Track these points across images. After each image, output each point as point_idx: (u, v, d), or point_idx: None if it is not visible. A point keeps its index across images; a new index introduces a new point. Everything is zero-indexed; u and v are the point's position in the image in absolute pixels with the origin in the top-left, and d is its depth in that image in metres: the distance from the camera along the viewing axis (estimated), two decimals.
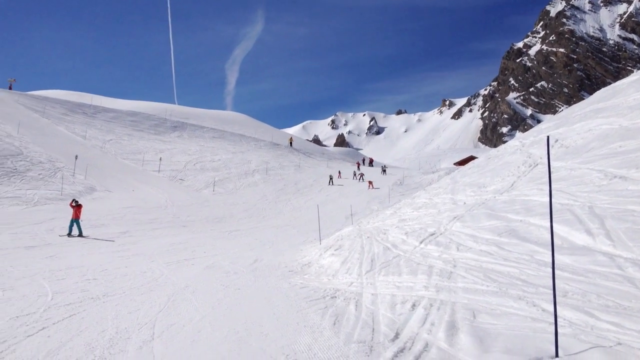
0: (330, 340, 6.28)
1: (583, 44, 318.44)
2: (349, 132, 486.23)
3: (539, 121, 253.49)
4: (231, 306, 8.57)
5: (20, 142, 35.45)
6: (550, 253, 5.14)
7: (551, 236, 5.11)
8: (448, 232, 10.86)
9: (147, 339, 6.71)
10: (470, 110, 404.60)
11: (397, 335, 6.07)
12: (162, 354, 6.12)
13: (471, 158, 78.55)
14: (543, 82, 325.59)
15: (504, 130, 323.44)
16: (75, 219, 18.50)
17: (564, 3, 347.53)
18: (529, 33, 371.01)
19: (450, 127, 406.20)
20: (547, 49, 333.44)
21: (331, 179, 42.56)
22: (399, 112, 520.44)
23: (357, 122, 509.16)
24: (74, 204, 18.90)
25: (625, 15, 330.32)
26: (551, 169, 5.42)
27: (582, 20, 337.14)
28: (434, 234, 11.18)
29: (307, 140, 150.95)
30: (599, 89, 23.01)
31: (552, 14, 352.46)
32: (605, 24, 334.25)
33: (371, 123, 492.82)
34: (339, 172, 47.66)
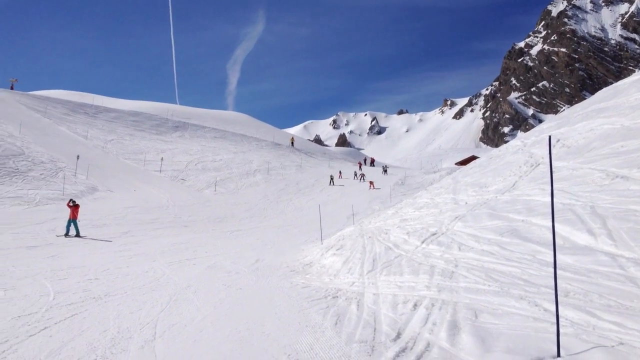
0: (332, 340, 6.28)
1: (585, 43, 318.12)
2: (351, 132, 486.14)
3: (540, 121, 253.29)
4: (233, 306, 8.58)
5: (22, 142, 35.49)
6: (552, 253, 5.13)
7: (553, 236, 5.11)
8: (450, 232, 10.85)
9: (149, 338, 6.71)
10: (472, 110, 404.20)
11: (398, 335, 6.07)
12: (163, 354, 6.12)
13: (473, 158, 78.48)
14: (545, 82, 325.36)
15: (506, 130, 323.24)
16: (73, 219, 18.42)
17: (565, 3, 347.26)
18: (531, 33, 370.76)
19: (451, 127, 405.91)
20: (548, 48, 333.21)
21: (332, 179, 42.52)
22: (401, 112, 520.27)
23: (358, 122, 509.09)
24: (71, 204, 18.85)
25: (626, 15, 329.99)
26: (553, 169, 5.42)
27: (583, 20, 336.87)
28: (435, 233, 11.17)
29: (309, 140, 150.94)
30: (600, 88, 22.99)
31: (554, 13, 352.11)
32: (607, 23, 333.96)
33: (372, 123, 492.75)
34: (340, 172, 47.60)
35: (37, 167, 30.80)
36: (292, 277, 11.34)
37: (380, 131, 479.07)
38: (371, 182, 40.87)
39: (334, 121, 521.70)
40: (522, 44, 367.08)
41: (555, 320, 4.89)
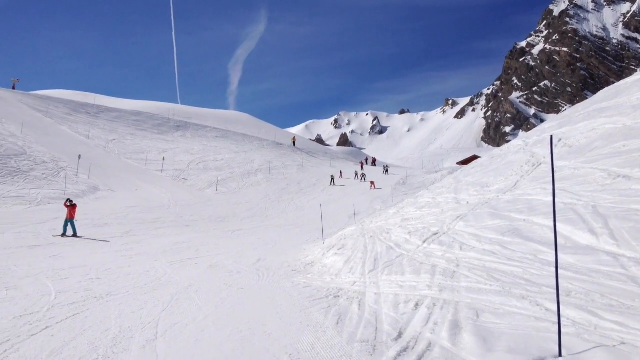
0: (334, 340, 6.28)
1: (586, 43, 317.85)
2: (352, 131, 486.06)
3: (542, 120, 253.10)
4: (234, 305, 8.58)
5: (24, 142, 35.53)
6: (554, 252, 5.12)
7: (554, 235, 5.10)
8: (451, 232, 10.85)
9: (151, 338, 6.72)
10: (474, 110, 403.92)
11: (400, 335, 6.06)
12: (165, 353, 6.13)
13: (474, 157, 78.40)
14: (546, 82, 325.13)
15: (507, 129, 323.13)
16: (70, 219, 18.33)
17: (567, 2, 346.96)
18: (532, 32, 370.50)
19: (453, 127, 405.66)
20: (550, 48, 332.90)
21: (332, 179, 42.47)
22: (402, 112, 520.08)
23: (360, 121, 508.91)
24: (68, 203, 18.74)
25: (628, 15, 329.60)
26: (554, 169, 5.41)
27: (585, 19, 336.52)
28: (437, 233, 11.17)
29: (310, 139, 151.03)
30: (602, 88, 22.96)
31: (556, 13, 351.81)
32: (609, 23, 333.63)
33: (374, 122, 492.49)
34: (340, 172, 47.55)
35: (38, 167, 30.84)
36: (293, 277, 11.34)
37: (382, 131, 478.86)
38: (372, 182, 40.85)
39: (336, 121, 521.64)
40: (523, 44, 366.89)
41: (557, 320, 4.89)
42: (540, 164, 13.58)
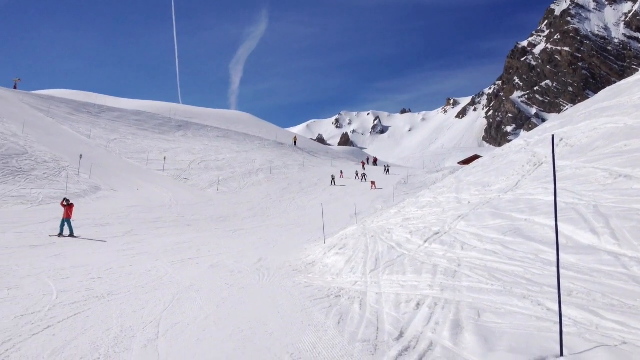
0: (335, 339, 6.28)
1: (588, 42, 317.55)
2: (353, 131, 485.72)
3: (543, 120, 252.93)
4: (236, 305, 8.58)
5: (25, 142, 35.57)
6: (555, 252, 5.12)
7: (556, 235, 5.10)
8: (452, 231, 10.85)
9: (152, 337, 6.72)
10: (475, 109, 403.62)
11: (401, 334, 6.06)
12: (167, 353, 6.13)
13: (475, 157, 78.36)
14: (548, 81, 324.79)
15: (509, 129, 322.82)
16: (67, 219, 18.14)
17: (568, 2, 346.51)
18: (534, 32, 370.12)
19: (454, 126, 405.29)
20: (551, 47, 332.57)
21: (333, 179, 42.44)
22: (403, 111, 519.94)
23: (361, 121, 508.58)
24: (65, 203, 18.53)
25: (630, 14, 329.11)
26: (556, 168, 5.40)
27: (587, 19, 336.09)
28: (438, 233, 11.16)
29: (312, 139, 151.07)
30: (603, 87, 22.95)
31: (557, 12, 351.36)
32: (610, 22, 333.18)
33: (375, 122, 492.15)
34: (341, 172, 47.56)
35: (40, 167, 30.87)
36: (294, 276, 11.34)
37: (383, 130, 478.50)
38: (373, 182, 40.84)
39: (337, 120, 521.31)
40: (525, 43, 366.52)
41: (558, 320, 4.89)
42: (542, 163, 13.58)
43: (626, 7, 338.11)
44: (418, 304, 7.07)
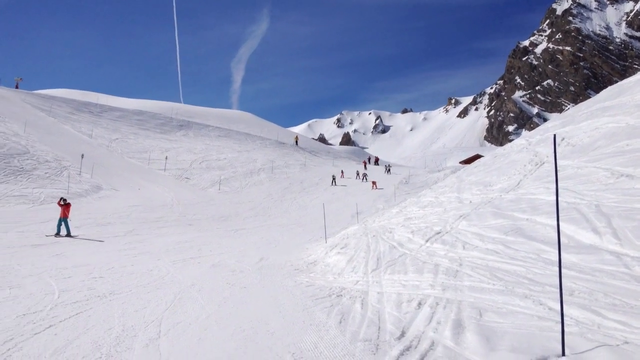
0: (336, 339, 6.28)
1: (589, 42, 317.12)
2: (355, 130, 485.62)
3: (545, 120, 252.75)
4: (237, 304, 8.58)
5: (27, 141, 35.61)
6: (557, 251, 5.12)
7: (558, 235, 5.09)
8: (454, 231, 10.84)
9: (154, 337, 6.73)
10: (476, 109, 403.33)
11: (403, 334, 6.06)
12: (168, 352, 6.13)
13: (477, 157, 78.29)
14: (549, 81, 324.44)
15: (510, 128, 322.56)
16: (64, 218, 18.01)
17: (570, 1, 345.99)
18: (535, 31, 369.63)
19: (456, 126, 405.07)
20: (553, 47, 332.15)
21: (334, 179, 42.40)
22: (405, 111, 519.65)
23: (362, 120, 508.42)
24: (62, 202, 18.41)
25: (632, 13, 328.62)
26: (558, 168, 5.40)
27: (588, 18, 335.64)
28: (440, 232, 11.16)
29: (313, 138, 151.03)
30: (605, 87, 22.92)
31: (559, 12, 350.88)
32: (612, 22, 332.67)
33: (377, 122, 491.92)
34: (342, 172, 47.54)
35: (41, 166, 30.90)
36: (296, 276, 11.34)
37: (385, 130, 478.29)
38: (374, 182, 40.81)
39: (338, 120, 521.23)
40: (526, 43, 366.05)
41: (560, 319, 4.88)
42: (543, 163, 13.57)
43: (628, 6, 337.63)
44: (420, 304, 7.07)
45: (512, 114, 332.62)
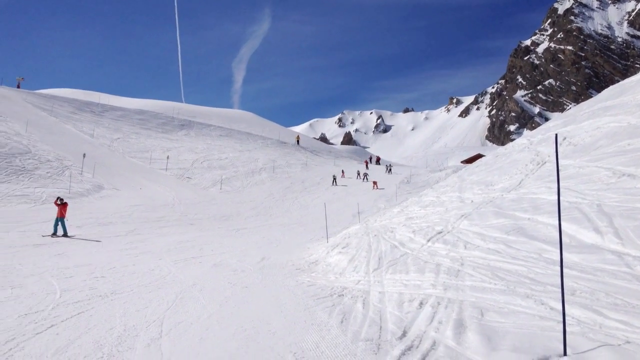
0: (338, 339, 6.28)
1: (591, 41, 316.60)
2: (356, 130, 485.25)
3: (546, 119, 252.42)
4: (239, 304, 8.59)
5: (29, 141, 35.65)
6: (559, 251, 5.11)
7: (559, 234, 5.09)
8: (455, 231, 10.84)
9: (155, 336, 6.73)
10: (478, 109, 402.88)
11: (404, 334, 6.06)
12: (170, 352, 6.14)
13: (479, 156, 78.20)
14: (551, 80, 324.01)
15: (512, 128, 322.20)
16: (60, 218, 17.93)
17: (572, 0, 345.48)
18: (537, 31, 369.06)
19: (457, 125, 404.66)
20: (555, 46, 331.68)
21: (334, 179, 42.38)
22: (406, 110, 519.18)
23: (364, 120, 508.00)
24: (59, 202, 18.32)
25: (633, 13, 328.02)
26: (559, 167, 5.39)
27: (590, 17, 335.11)
28: (441, 232, 11.16)
29: (314, 138, 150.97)
30: (607, 86, 22.89)
31: (560, 11, 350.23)
32: (614, 21, 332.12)
33: (378, 121, 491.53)
34: (342, 172, 47.52)
35: (43, 166, 30.93)
36: (297, 276, 11.35)
37: (386, 129, 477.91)
38: (374, 182, 40.79)
39: (340, 119, 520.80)
40: (528, 42, 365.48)
41: (561, 319, 4.87)
42: (545, 162, 13.56)
43: (629, 5, 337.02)
44: (421, 303, 7.07)
45: (513, 114, 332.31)
